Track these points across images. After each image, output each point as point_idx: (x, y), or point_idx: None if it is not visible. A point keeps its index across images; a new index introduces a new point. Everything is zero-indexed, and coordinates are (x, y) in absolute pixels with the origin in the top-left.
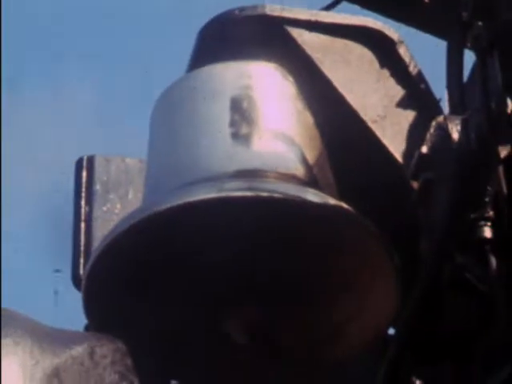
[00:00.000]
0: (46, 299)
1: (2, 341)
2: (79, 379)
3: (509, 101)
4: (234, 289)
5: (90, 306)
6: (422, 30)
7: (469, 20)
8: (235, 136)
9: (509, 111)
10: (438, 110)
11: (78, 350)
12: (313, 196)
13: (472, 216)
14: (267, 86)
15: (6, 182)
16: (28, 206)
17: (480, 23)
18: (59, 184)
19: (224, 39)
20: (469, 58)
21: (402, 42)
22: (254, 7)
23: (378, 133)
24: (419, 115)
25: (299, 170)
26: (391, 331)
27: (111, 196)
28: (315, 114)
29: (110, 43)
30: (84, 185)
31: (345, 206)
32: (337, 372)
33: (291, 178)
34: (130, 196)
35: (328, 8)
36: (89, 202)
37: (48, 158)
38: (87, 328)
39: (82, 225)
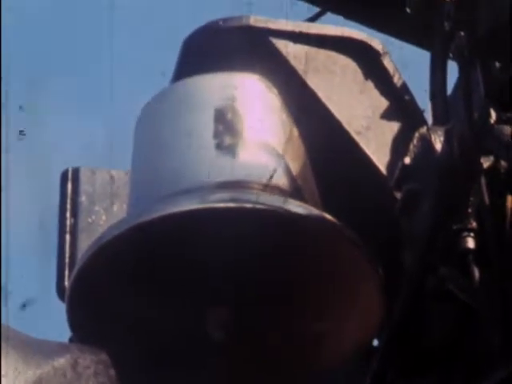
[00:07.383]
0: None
1: None
2: None
3: (492, 111)
4: (220, 297)
5: (73, 317)
6: (407, 41)
7: (451, 30)
8: (219, 147)
9: (492, 122)
10: (422, 121)
11: (61, 362)
12: (296, 207)
13: (455, 227)
14: (251, 97)
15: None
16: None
17: (462, 33)
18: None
19: (208, 50)
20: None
21: (386, 53)
22: (239, 18)
23: (362, 144)
24: (403, 126)
25: (283, 181)
26: (375, 343)
27: (96, 208)
28: (299, 125)
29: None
30: (69, 196)
31: (328, 217)
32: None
33: (275, 189)
34: (116, 208)
35: (312, 19)
36: (74, 214)
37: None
38: (71, 339)
39: (67, 237)
